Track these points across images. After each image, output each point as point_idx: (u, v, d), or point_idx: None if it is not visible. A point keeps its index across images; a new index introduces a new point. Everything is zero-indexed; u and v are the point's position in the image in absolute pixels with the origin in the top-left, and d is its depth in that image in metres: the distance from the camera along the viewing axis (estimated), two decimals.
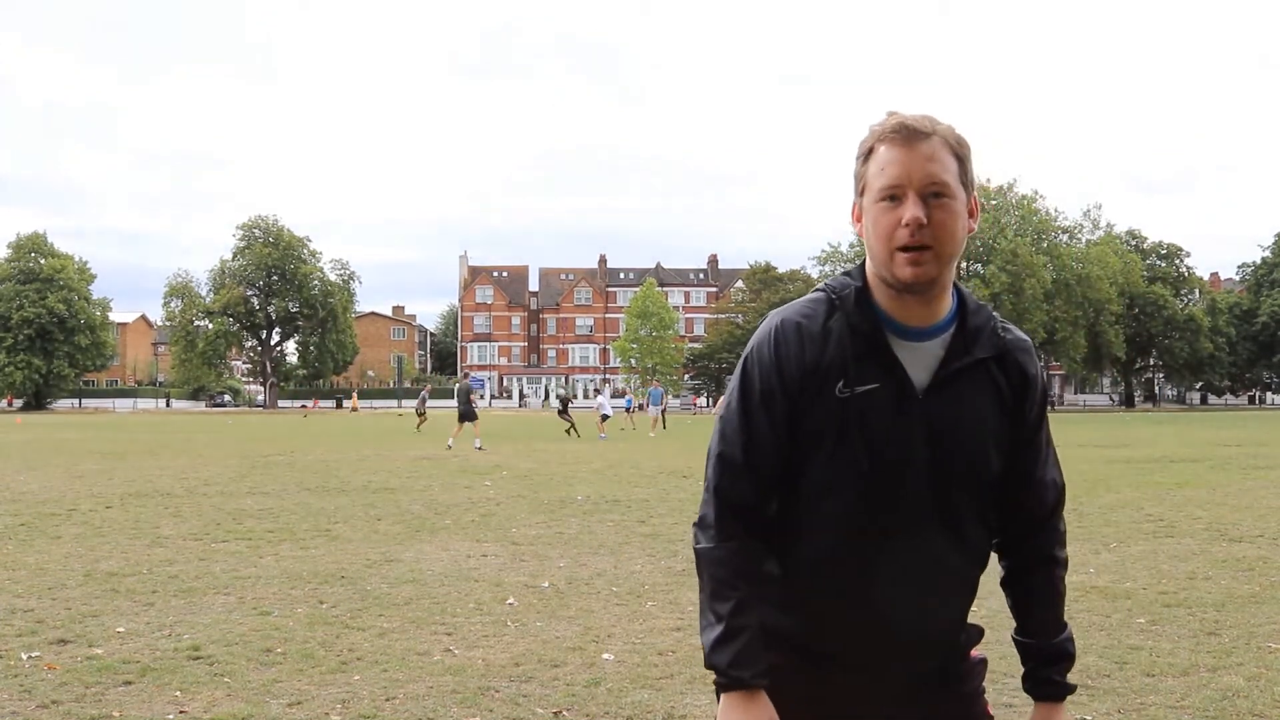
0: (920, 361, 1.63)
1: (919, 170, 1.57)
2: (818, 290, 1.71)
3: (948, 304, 1.66)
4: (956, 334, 1.65)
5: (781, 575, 1.67)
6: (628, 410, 40.04)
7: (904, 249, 1.57)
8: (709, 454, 1.70)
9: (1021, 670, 1.78)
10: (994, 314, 1.70)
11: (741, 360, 1.69)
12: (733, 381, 1.70)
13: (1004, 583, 1.82)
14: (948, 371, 1.63)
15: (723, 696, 1.60)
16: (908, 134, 1.60)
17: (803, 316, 1.65)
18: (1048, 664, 1.75)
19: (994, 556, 1.79)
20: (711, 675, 1.62)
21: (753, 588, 1.62)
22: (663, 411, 36.20)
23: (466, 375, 26.77)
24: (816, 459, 1.63)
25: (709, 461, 1.70)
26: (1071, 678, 1.77)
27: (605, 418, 30.64)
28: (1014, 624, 1.80)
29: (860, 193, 1.66)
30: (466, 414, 23.38)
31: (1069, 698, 1.75)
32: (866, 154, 1.65)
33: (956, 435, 1.63)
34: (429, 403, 35.80)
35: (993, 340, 1.67)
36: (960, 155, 1.62)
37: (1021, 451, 1.72)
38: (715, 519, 1.64)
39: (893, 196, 1.59)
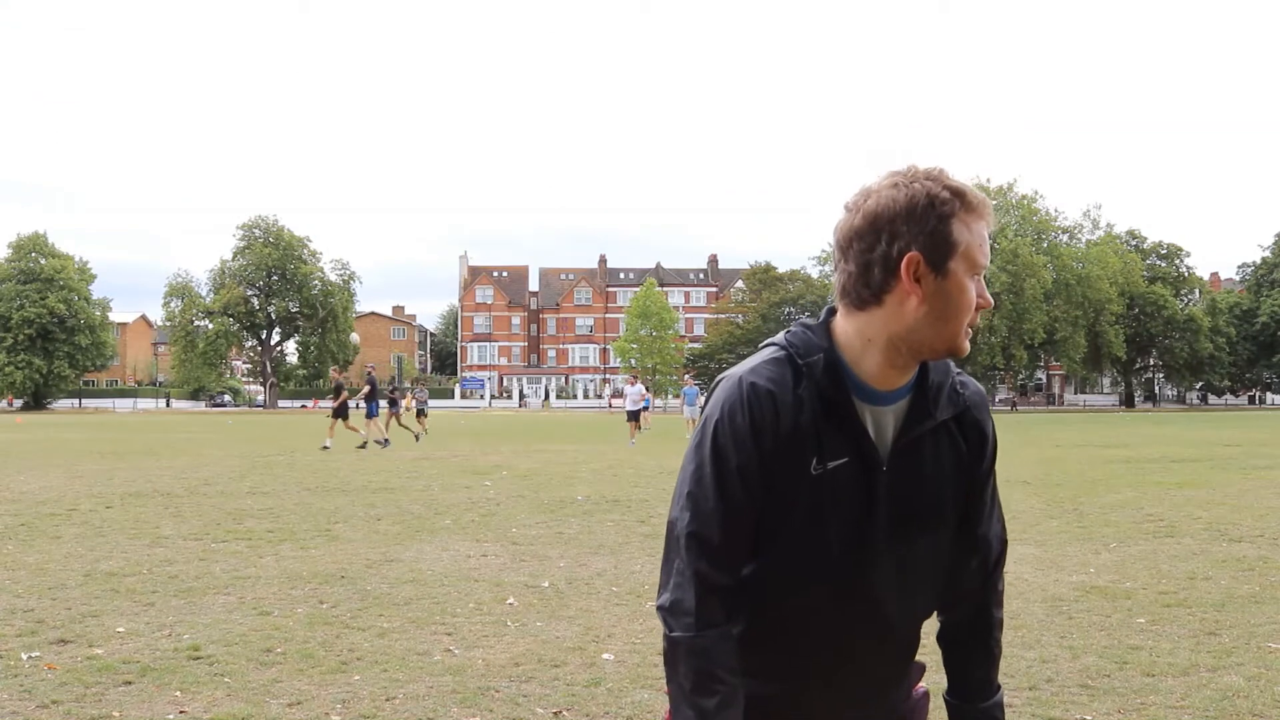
0: (883, 426, 1.59)
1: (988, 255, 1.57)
2: (775, 348, 1.61)
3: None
4: (917, 395, 1.61)
5: (749, 642, 1.63)
6: (645, 409, 39.51)
7: (970, 324, 1.56)
8: (674, 529, 1.59)
9: None
10: (952, 367, 1.67)
11: (708, 426, 1.57)
12: (697, 449, 1.58)
13: (939, 638, 1.80)
14: (909, 437, 1.60)
15: None
16: (991, 215, 1.57)
17: (771, 383, 1.55)
18: None
19: None
20: None
21: (736, 679, 1.55)
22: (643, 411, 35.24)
23: (371, 369, 24.92)
24: (786, 530, 1.58)
25: (677, 540, 1.58)
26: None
27: (635, 417, 27.17)
28: (945, 682, 1.78)
29: (943, 256, 1.51)
30: (340, 411, 22.34)
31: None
32: (946, 217, 1.51)
33: (918, 502, 1.61)
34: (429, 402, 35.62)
35: (952, 399, 1.64)
36: None
37: (970, 507, 1.69)
38: (695, 605, 1.54)
39: (976, 275, 1.55)
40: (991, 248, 1.63)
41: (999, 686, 1.77)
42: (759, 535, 1.59)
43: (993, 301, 1.58)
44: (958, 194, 1.53)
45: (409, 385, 34.55)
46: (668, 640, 1.57)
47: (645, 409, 38.89)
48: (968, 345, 1.56)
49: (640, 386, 28.50)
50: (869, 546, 1.59)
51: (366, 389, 23.19)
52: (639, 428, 27.11)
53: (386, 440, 22.27)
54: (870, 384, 1.57)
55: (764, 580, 1.60)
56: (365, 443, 22.03)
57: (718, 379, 1.64)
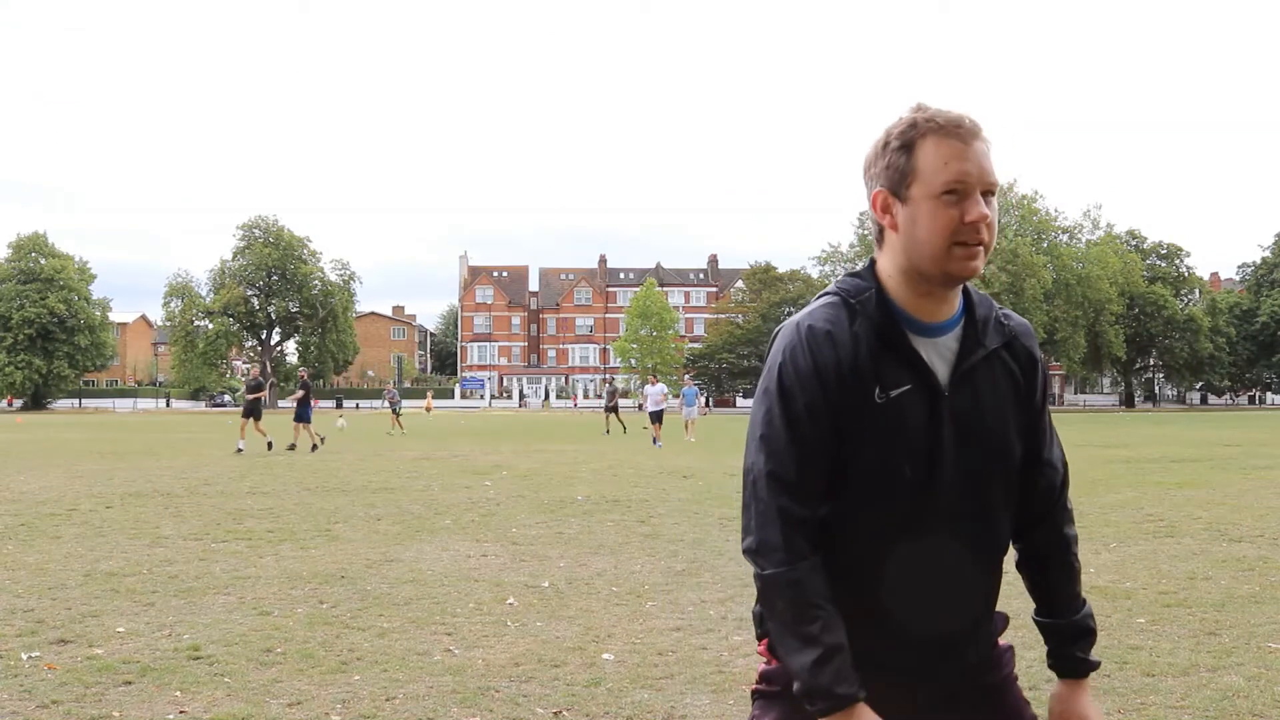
0: (939, 356, 1.65)
1: (981, 168, 1.59)
2: (829, 295, 1.68)
3: (958, 297, 1.68)
4: (968, 326, 1.67)
5: (830, 586, 1.66)
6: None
7: (962, 244, 1.58)
8: (751, 472, 1.64)
9: (1045, 650, 1.80)
10: (993, 302, 1.74)
11: (772, 371, 1.64)
12: (765, 395, 1.64)
13: (1019, 565, 1.84)
14: (966, 365, 1.65)
15: (831, 718, 1.56)
16: (968, 130, 1.60)
17: (828, 323, 1.62)
18: (1070, 641, 1.77)
19: None
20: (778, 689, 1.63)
21: (833, 606, 1.59)
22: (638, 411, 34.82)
23: (305, 373, 23.96)
24: (858, 465, 1.62)
25: (755, 481, 1.63)
26: (1051, 675, 1.79)
27: (658, 418, 25.61)
28: (1034, 605, 1.82)
29: (903, 184, 1.61)
30: (252, 410, 21.43)
31: (1092, 674, 1.77)
32: (909, 144, 1.60)
33: (983, 428, 1.66)
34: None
35: (999, 329, 1.70)
36: (993, 160, 1.65)
37: (1031, 432, 1.74)
38: (782, 541, 1.59)
39: (953, 192, 1.58)
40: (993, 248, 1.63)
41: (1085, 600, 1.82)
42: (834, 473, 1.63)
43: (985, 214, 1.57)
44: (916, 122, 1.60)
45: (383, 386, 34.35)
46: (761, 579, 1.61)
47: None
48: (968, 266, 1.58)
49: (661, 386, 27.41)
50: (940, 473, 1.63)
51: (300, 393, 22.71)
52: (661, 428, 25.69)
53: (293, 446, 22.15)
54: (916, 316, 1.64)
55: (845, 516, 1.64)
56: (294, 444, 21.99)
57: (777, 329, 1.70)
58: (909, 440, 1.61)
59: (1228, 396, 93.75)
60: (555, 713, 4.26)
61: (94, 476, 15.26)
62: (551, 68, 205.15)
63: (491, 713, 4.25)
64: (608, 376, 64.01)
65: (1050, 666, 1.80)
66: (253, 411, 21.37)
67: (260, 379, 22.91)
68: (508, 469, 16.84)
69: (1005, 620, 1.83)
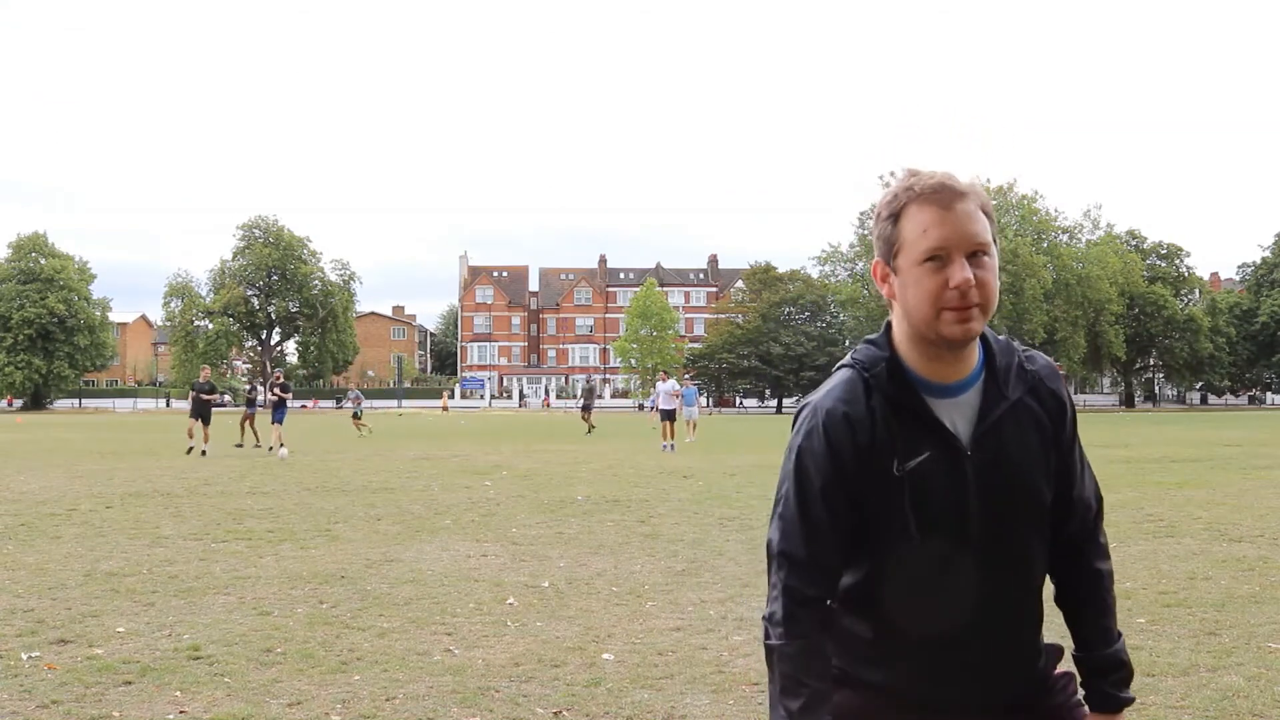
0: (961, 415, 1.67)
1: (962, 231, 1.59)
2: (845, 368, 1.73)
3: (976, 352, 1.70)
4: (989, 380, 1.69)
5: (871, 636, 1.74)
6: (651, 408, 38.67)
7: (950, 309, 1.59)
8: (769, 548, 1.72)
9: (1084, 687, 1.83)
10: (1015, 346, 1.75)
11: (792, 453, 1.70)
12: (784, 476, 1.72)
13: (1056, 600, 1.88)
14: (990, 420, 1.67)
15: None
16: (947, 195, 1.60)
17: (845, 403, 1.67)
18: (1101, 675, 1.80)
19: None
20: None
21: (822, 683, 1.66)
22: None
23: (204, 369, 22.77)
24: (887, 532, 1.67)
25: (771, 558, 1.72)
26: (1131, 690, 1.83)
27: (670, 416, 23.28)
28: (1073, 643, 1.86)
29: (891, 254, 1.65)
30: (201, 413, 20.43)
31: (1126, 710, 1.81)
32: (895, 215, 1.64)
33: (1009, 480, 1.67)
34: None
35: (1021, 376, 1.71)
36: (988, 212, 1.64)
37: (1061, 474, 1.76)
38: (784, 617, 1.67)
39: (936, 258, 1.59)
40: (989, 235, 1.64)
41: (1120, 634, 1.85)
42: (860, 544, 1.70)
43: (967, 278, 1.57)
44: (898, 193, 1.64)
45: (349, 388, 33.37)
46: (765, 648, 1.70)
47: (652, 407, 37.26)
48: (959, 329, 1.59)
49: (672, 383, 25.24)
50: (968, 529, 1.66)
51: (278, 395, 22.05)
52: (674, 428, 23.41)
53: (240, 445, 22.60)
54: (931, 379, 1.67)
55: (873, 582, 1.71)
56: (259, 443, 22.44)
57: (800, 405, 1.75)
58: (934, 506, 1.65)
59: (1228, 396, 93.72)
60: (555, 713, 4.26)
61: (94, 476, 15.27)
62: (552, 68, 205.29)
63: (491, 713, 4.25)
64: (587, 377, 62.97)
65: (1084, 700, 1.82)
66: (201, 414, 20.60)
67: (211, 382, 21.96)
68: (508, 469, 16.85)
69: (1059, 650, 1.86)
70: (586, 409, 32.96)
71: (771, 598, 1.70)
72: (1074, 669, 1.85)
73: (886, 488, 1.65)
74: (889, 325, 1.73)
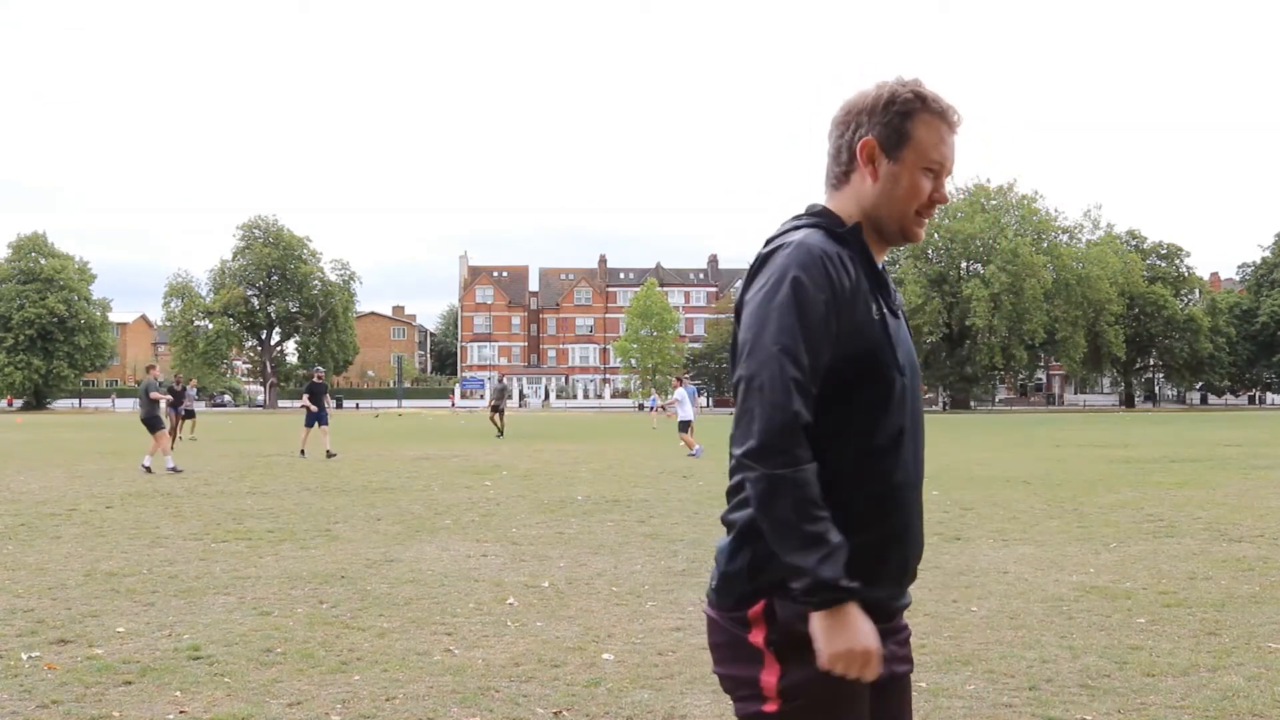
0: None
1: (954, 156, 1.83)
2: (810, 226, 1.81)
3: None
4: (883, 270, 1.90)
5: (845, 487, 1.77)
6: (652, 409, 37.89)
7: (919, 214, 1.83)
8: (758, 377, 1.67)
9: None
10: None
11: (783, 283, 1.70)
12: (775, 306, 1.69)
13: None
14: (896, 295, 1.92)
15: (832, 610, 1.64)
16: (955, 119, 1.83)
17: (831, 247, 1.76)
18: None
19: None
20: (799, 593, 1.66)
21: (827, 508, 1.67)
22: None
23: (150, 369, 18.12)
24: (862, 377, 1.75)
25: (760, 388, 1.67)
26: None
27: (686, 425, 21.23)
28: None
29: (896, 146, 1.80)
30: (150, 421, 16.83)
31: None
32: (908, 113, 1.80)
33: (910, 346, 1.89)
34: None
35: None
36: None
37: None
38: (790, 443, 1.64)
39: (931, 170, 1.81)
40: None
41: None
42: (839, 386, 1.73)
43: (948, 199, 1.85)
44: (921, 97, 1.80)
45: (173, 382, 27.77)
46: (765, 479, 1.64)
47: (653, 408, 35.79)
48: (921, 233, 1.85)
49: (691, 389, 23.06)
50: (912, 389, 1.83)
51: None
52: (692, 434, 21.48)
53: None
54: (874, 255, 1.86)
55: (842, 430, 1.74)
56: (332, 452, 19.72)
57: (760, 255, 1.79)
58: (898, 353, 1.79)
59: (1227, 396, 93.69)
60: (555, 713, 4.26)
61: (94, 476, 15.27)
62: (552, 68, 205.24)
63: (491, 713, 4.25)
64: (500, 376, 60.55)
65: None
66: (151, 422, 16.92)
67: (150, 381, 17.80)
68: (508, 469, 16.85)
69: None
70: (496, 410, 30.48)
71: (763, 429, 1.64)
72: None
73: (868, 332, 1.74)
74: (825, 209, 1.85)
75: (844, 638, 1.63)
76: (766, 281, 1.72)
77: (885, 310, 1.79)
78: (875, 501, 1.76)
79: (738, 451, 1.69)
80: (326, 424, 20.17)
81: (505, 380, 33.01)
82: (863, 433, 1.75)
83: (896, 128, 1.79)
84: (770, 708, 1.73)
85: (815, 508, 1.63)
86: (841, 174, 1.85)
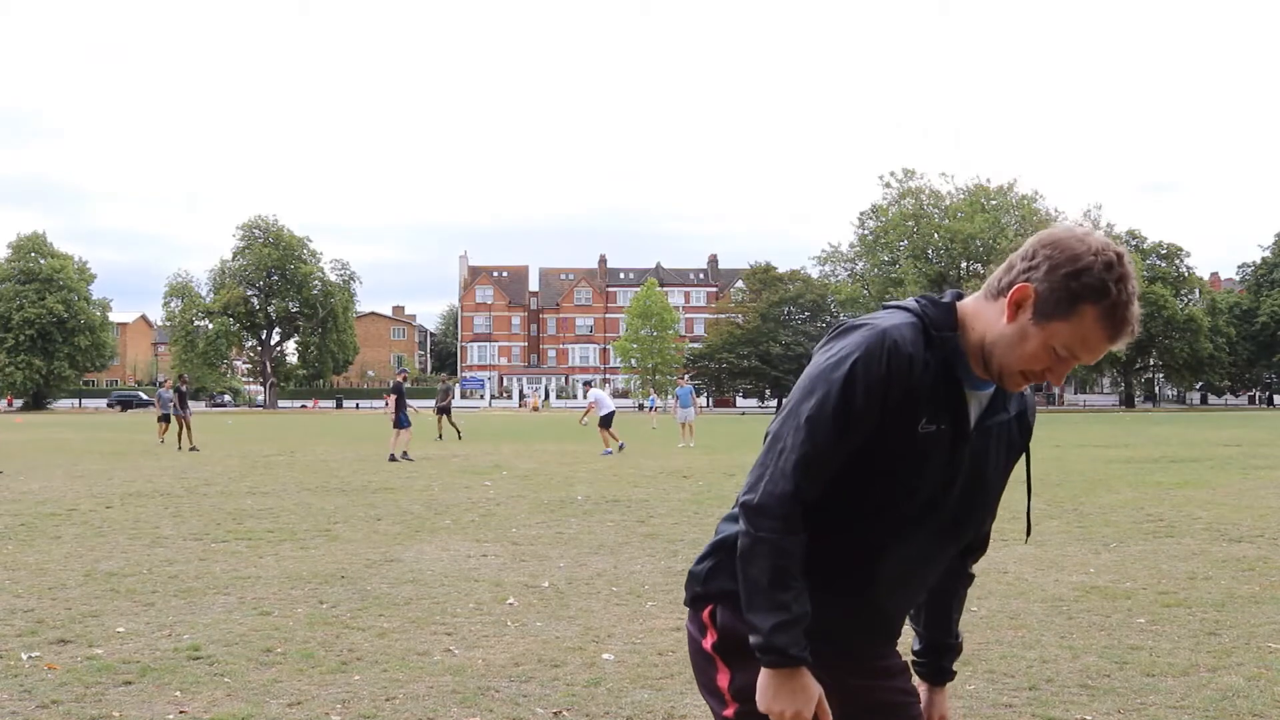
0: (975, 405, 1.82)
1: (1093, 361, 1.72)
2: (909, 313, 1.77)
3: None
4: (999, 392, 1.84)
5: (830, 563, 1.82)
6: (653, 409, 37.67)
7: (1027, 380, 1.76)
8: (780, 441, 1.74)
9: (916, 654, 2.08)
10: None
11: (844, 364, 1.70)
12: (826, 382, 1.72)
13: (932, 589, 2.05)
14: (990, 421, 1.83)
15: (778, 671, 1.72)
16: (1126, 334, 1.67)
17: (910, 344, 1.72)
18: (948, 656, 2.07)
19: None
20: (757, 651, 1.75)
21: (805, 580, 1.74)
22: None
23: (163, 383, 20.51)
24: (885, 477, 1.77)
25: (780, 452, 1.73)
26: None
27: (608, 419, 21.95)
28: (923, 625, 2.08)
29: (1049, 311, 1.66)
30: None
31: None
32: (1085, 297, 1.64)
33: (984, 474, 1.85)
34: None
35: (1019, 399, 1.90)
36: None
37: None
38: (786, 512, 1.71)
39: (1060, 355, 1.70)
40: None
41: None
42: (862, 471, 1.77)
43: (1054, 383, 1.78)
44: (1108, 292, 1.63)
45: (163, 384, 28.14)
46: (751, 538, 1.73)
47: (653, 408, 35.83)
48: (1015, 386, 1.77)
49: (689, 388, 25.29)
50: (942, 502, 1.82)
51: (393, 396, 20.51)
52: (692, 430, 24.37)
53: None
54: (972, 371, 1.80)
55: (854, 508, 1.79)
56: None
57: (848, 325, 1.79)
58: (933, 470, 1.77)
59: (1228, 396, 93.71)
60: (555, 713, 4.26)
61: (94, 476, 15.27)
62: (552, 68, 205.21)
63: (491, 713, 4.25)
64: (444, 377, 60.17)
65: (919, 673, 2.06)
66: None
67: (181, 386, 20.33)
68: (508, 469, 16.85)
69: None
70: (442, 410, 28.85)
71: (766, 491, 1.72)
72: (970, 652, 2.08)
73: (907, 438, 1.73)
74: (955, 307, 1.80)
75: (780, 700, 1.73)
76: (836, 353, 1.74)
77: (940, 425, 1.74)
78: (833, 584, 1.82)
79: (740, 497, 1.77)
80: (409, 426, 19.78)
81: (447, 381, 32.73)
82: (859, 523, 1.80)
83: (1063, 298, 1.65)
84: (729, 711, 1.84)
85: (789, 577, 1.71)
86: (997, 290, 1.75)
